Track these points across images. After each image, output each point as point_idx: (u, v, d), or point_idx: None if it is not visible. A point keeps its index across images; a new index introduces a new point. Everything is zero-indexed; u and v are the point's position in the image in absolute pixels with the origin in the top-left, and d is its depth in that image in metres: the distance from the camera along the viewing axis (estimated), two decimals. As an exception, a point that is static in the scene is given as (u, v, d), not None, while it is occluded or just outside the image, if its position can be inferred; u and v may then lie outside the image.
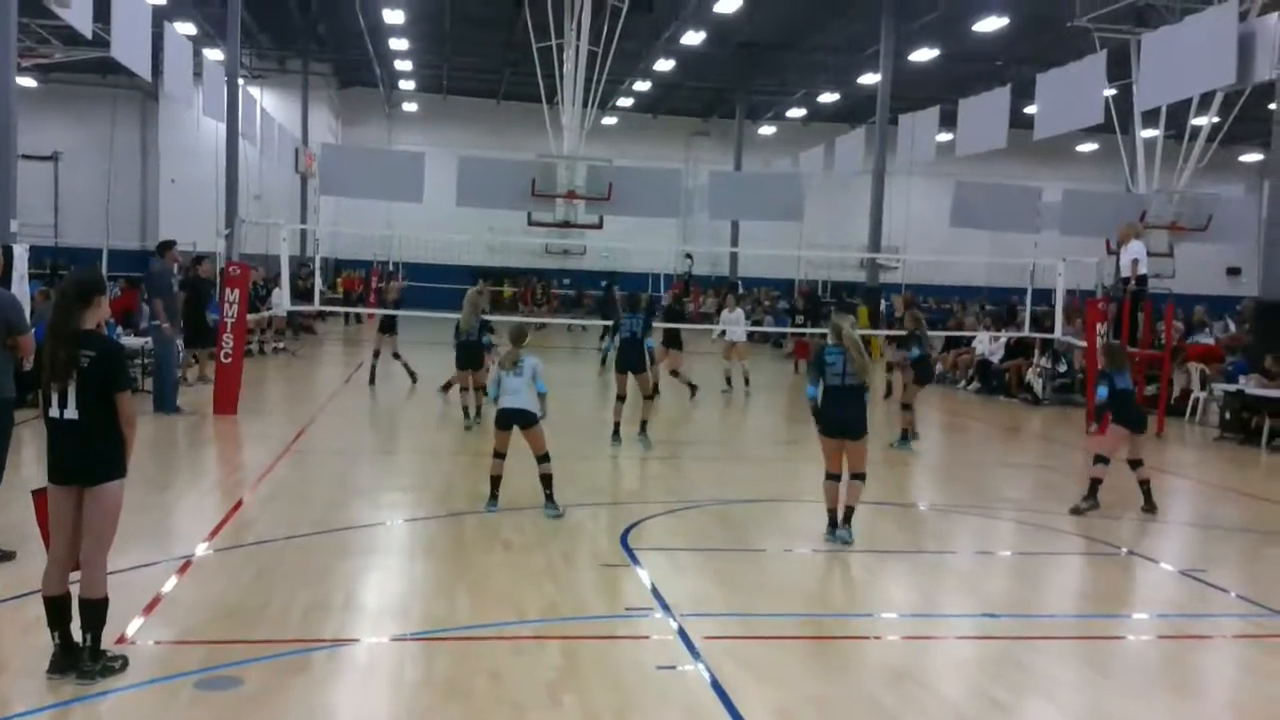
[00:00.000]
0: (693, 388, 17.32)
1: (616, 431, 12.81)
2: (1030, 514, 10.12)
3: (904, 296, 23.85)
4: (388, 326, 18.17)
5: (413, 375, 17.66)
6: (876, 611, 7.13)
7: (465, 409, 13.93)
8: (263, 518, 8.68)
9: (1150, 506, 10.20)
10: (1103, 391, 10.27)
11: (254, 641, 5.82)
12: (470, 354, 13.74)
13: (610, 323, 14.69)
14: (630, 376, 12.80)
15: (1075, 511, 9.91)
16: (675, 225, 38.67)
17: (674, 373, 17.27)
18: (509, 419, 9.07)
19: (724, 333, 19.39)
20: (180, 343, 15.80)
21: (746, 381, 18.81)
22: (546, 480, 9.12)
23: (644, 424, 12.87)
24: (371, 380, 17.85)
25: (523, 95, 36.40)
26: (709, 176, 30.00)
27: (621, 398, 13.00)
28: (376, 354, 18.27)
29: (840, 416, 8.55)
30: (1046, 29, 27.20)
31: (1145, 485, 10.21)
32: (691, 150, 44.72)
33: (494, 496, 9.20)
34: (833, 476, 8.70)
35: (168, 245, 14.76)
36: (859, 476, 8.64)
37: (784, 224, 30.87)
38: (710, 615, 6.65)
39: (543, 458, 9.10)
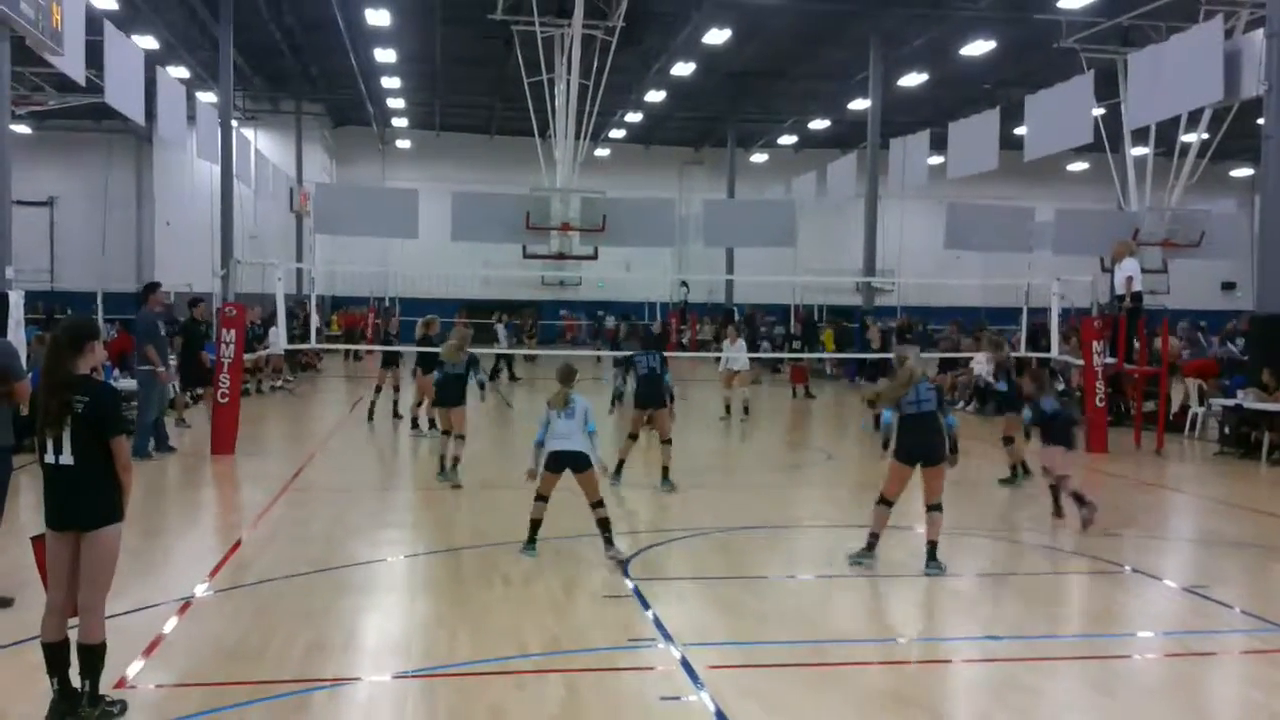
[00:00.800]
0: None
1: (619, 469, 12.21)
2: (1032, 534, 10.09)
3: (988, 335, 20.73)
4: (390, 361, 18.08)
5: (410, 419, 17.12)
6: (880, 637, 7.09)
7: (442, 459, 12.43)
8: (262, 557, 8.65)
9: (1058, 511, 10.52)
10: (1028, 415, 10.41)
11: (254, 682, 5.78)
12: (452, 390, 12.23)
13: (626, 356, 13.94)
14: (649, 415, 12.36)
15: (1086, 524, 9.93)
16: (670, 254, 38.79)
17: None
18: (561, 462, 8.66)
19: (721, 360, 19.40)
20: (175, 384, 15.80)
21: (746, 410, 18.80)
22: (604, 524, 8.68)
23: (665, 470, 12.16)
24: (370, 417, 17.86)
25: (515, 130, 36.61)
26: (702, 205, 30.15)
27: (634, 436, 12.51)
28: (378, 390, 18.28)
29: (917, 443, 8.63)
30: (1034, 51, 27.41)
31: (1055, 490, 10.48)
32: (684, 179, 44.93)
33: (532, 541, 8.78)
34: (886, 502, 8.73)
35: (152, 288, 14.73)
36: (937, 508, 8.62)
37: (778, 250, 30.96)
38: (713, 644, 6.62)
39: (597, 503, 8.68)
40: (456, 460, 12.21)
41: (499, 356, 26.59)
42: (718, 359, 19.35)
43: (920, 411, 8.62)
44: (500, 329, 28.59)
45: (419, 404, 16.29)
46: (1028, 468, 12.69)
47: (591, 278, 38.83)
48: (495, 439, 15.89)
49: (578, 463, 8.64)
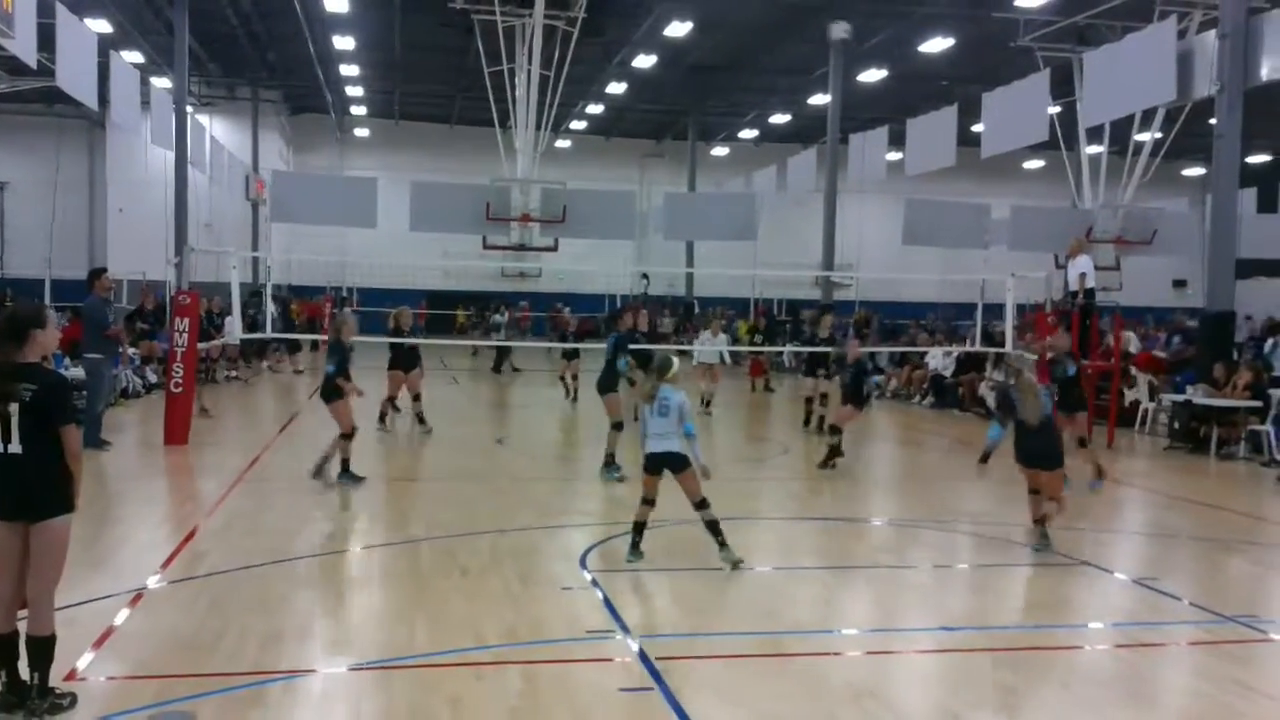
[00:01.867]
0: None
1: (609, 460, 12.23)
2: (986, 526, 10.20)
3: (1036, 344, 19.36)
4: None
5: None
6: (836, 628, 7.15)
7: (324, 459, 11.43)
8: (216, 548, 8.55)
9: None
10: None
11: (208, 674, 5.73)
12: (329, 386, 11.37)
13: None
14: (611, 399, 12.41)
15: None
16: (631, 246, 38.78)
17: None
18: (658, 463, 8.31)
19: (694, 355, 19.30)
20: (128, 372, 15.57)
21: (708, 404, 18.81)
22: (714, 527, 8.26)
23: (609, 457, 12.18)
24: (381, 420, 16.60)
25: (475, 119, 36.36)
26: (663, 198, 30.18)
27: (615, 426, 12.36)
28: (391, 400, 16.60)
29: (1033, 450, 9.13)
30: (991, 49, 27.62)
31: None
32: (645, 172, 44.92)
33: (636, 546, 8.40)
34: (1034, 491, 9.27)
35: (97, 274, 14.41)
36: (1054, 500, 9.16)
37: (738, 243, 31.04)
38: (671, 636, 6.64)
39: (701, 503, 8.28)
40: (326, 460, 11.32)
41: (499, 349, 26.56)
42: (684, 351, 19.21)
43: (1042, 417, 9.09)
44: (497, 318, 28.57)
45: (390, 399, 15.80)
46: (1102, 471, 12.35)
47: (552, 270, 38.76)
48: (454, 432, 15.79)
49: (674, 463, 8.25)
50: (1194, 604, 7.68)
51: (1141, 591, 8.05)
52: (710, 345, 19.53)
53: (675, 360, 8.59)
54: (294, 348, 27.24)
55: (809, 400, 17.08)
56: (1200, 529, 10.67)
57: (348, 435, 11.38)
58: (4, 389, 5.07)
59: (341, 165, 42.42)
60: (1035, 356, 10.55)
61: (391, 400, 15.74)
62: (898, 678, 6.23)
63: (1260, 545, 9.99)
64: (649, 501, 8.42)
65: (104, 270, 14.73)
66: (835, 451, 13.32)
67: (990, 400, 19.79)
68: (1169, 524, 11.06)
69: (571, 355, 21.00)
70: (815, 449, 15.29)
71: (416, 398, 15.65)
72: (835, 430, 13.52)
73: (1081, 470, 11.94)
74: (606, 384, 12.51)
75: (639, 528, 8.46)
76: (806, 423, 16.89)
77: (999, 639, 6.87)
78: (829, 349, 16.29)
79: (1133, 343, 21.44)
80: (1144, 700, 5.94)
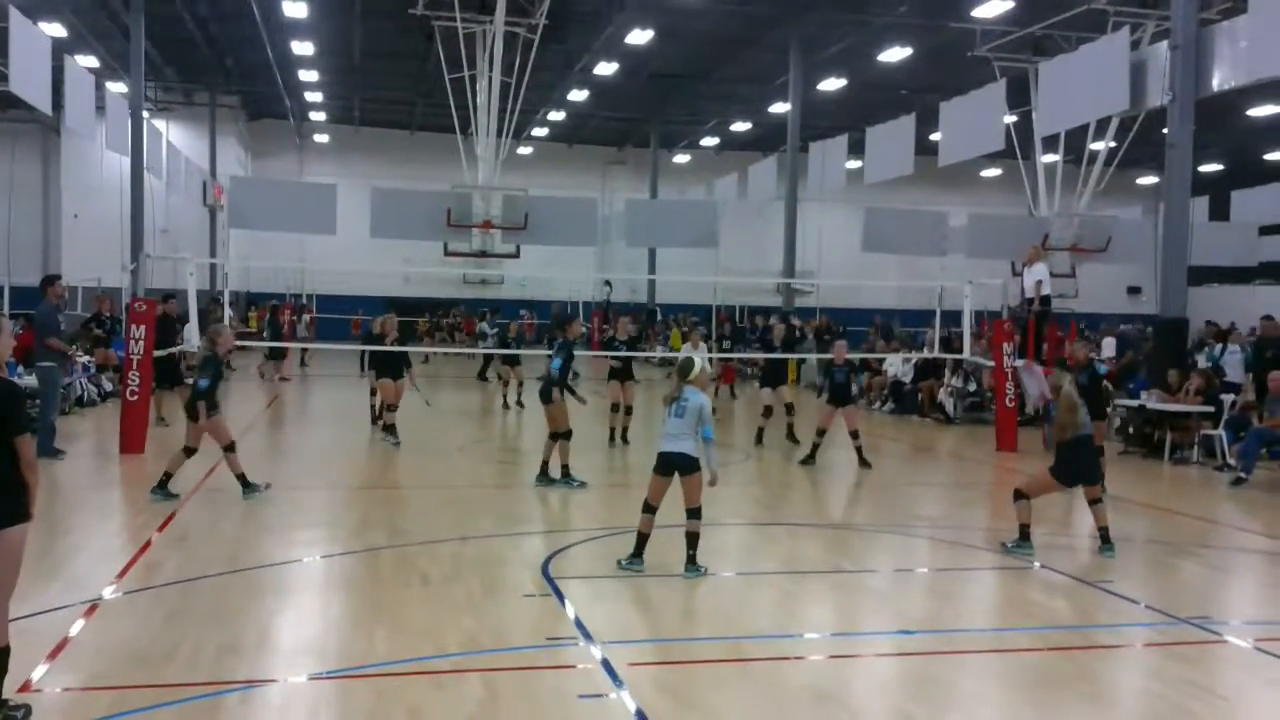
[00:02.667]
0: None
1: (543, 471, 12.08)
2: (945, 531, 10.29)
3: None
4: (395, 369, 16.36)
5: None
6: (797, 632, 7.18)
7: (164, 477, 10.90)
8: (172, 558, 8.46)
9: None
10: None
11: (164, 685, 5.66)
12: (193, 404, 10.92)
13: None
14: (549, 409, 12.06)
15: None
16: (593, 253, 38.82)
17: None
18: (669, 464, 8.18)
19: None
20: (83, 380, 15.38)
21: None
22: (693, 539, 8.23)
23: (544, 464, 12.00)
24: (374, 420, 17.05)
25: (436, 126, 36.31)
26: (625, 204, 30.21)
27: (553, 436, 12.10)
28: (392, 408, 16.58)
29: (1080, 465, 9.40)
30: (948, 59, 27.96)
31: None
32: (607, 179, 44.98)
33: (639, 553, 8.30)
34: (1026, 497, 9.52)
35: (50, 280, 14.28)
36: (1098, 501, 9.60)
37: (700, 250, 31.15)
38: (633, 642, 6.64)
39: (695, 511, 8.21)
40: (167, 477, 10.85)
41: (485, 356, 26.38)
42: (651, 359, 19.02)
43: (1079, 435, 9.28)
44: (484, 326, 28.42)
45: (390, 408, 15.47)
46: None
47: (514, 277, 38.70)
48: (415, 438, 15.70)
49: (685, 465, 8.14)
50: (1149, 606, 7.79)
51: (1097, 594, 8.16)
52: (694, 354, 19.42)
53: (698, 361, 8.48)
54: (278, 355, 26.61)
55: (768, 412, 16.60)
56: (1155, 532, 10.83)
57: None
58: None
59: (301, 171, 42.19)
60: (1071, 375, 10.40)
61: (392, 408, 15.42)
62: (857, 681, 6.27)
63: (1213, 549, 10.15)
64: (652, 509, 8.27)
65: (57, 277, 14.58)
66: (816, 448, 14.22)
67: (948, 406, 20.03)
68: (1123, 528, 11.17)
69: (514, 362, 20.86)
70: (774, 456, 15.38)
71: (392, 408, 15.51)
72: (821, 432, 14.33)
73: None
74: (550, 393, 12.06)
75: (641, 539, 8.32)
76: (759, 440, 16.24)
77: (957, 642, 6.93)
78: (792, 356, 16.35)
79: (1109, 348, 21.73)
80: (1100, 701, 6.01)
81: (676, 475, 8.20)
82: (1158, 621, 7.44)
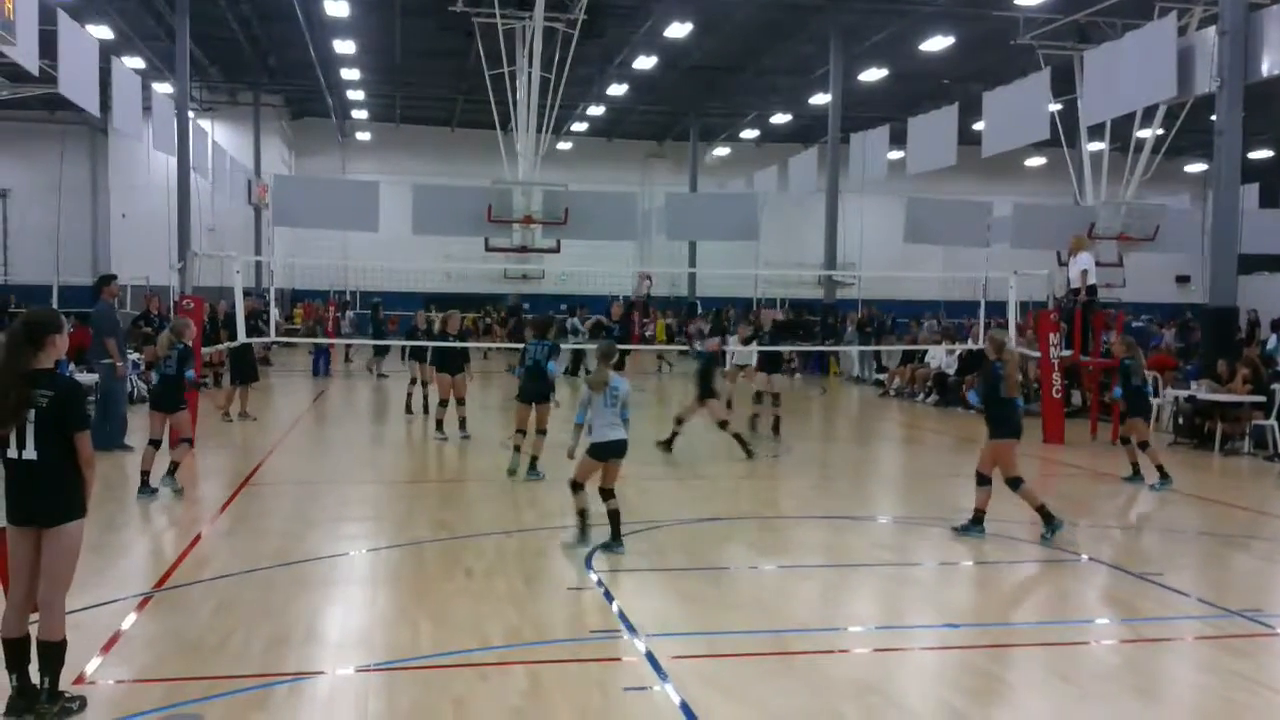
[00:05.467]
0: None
1: (516, 462, 12.19)
2: (989, 523, 10.19)
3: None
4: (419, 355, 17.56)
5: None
6: (841, 625, 7.16)
7: (144, 475, 10.97)
8: (221, 552, 8.59)
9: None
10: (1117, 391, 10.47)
11: (214, 677, 5.75)
12: (166, 395, 11.10)
13: (520, 347, 13.48)
14: (532, 409, 12.03)
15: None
16: (633, 247, 38.79)
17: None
18: (609, 451, 8.60)
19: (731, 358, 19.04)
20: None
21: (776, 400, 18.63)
22: (617, 517, 8.67)
23: (534, 460, 12.00)
24: (408, 409, 18.17)
25: (476, 122, 36.39)
26: (665, 198, 30.13)
27: (521, 431, 12.13)
28: (412, 382, 18.43)
29: (1017, 422, 9.65)
30: (992, 47, 27.64)
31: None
32: (647, 173, 44.91)
33: (586, 529, 8.81)
34: (1020, 480, 9.59)
35: (106, 280, 14.48)
36: (989, 481, 9.64)
37: (740, 243, 31.04)
38: (677, 635, 6.64)
39: (611, 491, 8.66)
40: (175, 466, 11.06)
41: (574, 352, 26.50)
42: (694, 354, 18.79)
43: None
44: (575, 322, 28.67)
45: (442, 404, 15.70)
46: (1165, 472, 12.34)
47: (554, 271, 38.77)
48: (461, 433, 15.78)
49: (622, 451, 8.63)
50: (1199, 599, 7.69)
51: (1147, 586, 8.06)
52: (743, 355, 19.32)
53: (616, 346, 9.19)
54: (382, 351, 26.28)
55: (758, 398, 16.73)
56: (1205, 524, 10.68)
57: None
58: (23, 395, 5.07)
59: (343, 169, 42.49)
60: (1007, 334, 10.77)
61: (443, 403, 15.63)
62: (902, 674, 6.24)
63: (1265, 540, 9.99)
64: (583, 486, 8.77)
65: (113, 277, 14.83)
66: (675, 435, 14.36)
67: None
68: (1174, 519, 11.06)
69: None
70: (820, 449, 15.31)
71: (461, 401, 15.65)
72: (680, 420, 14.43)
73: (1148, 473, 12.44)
74: (544, 393, 12.14)
75: (584, 514, 8.81)
76: (753, 427, 16.20)
77: (1003, 635, 6.88)
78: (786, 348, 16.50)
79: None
80: (1149, 695, 5.94)
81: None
82: (1208, 614, 7.34)
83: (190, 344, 11.21)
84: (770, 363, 16.83)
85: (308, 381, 24.86)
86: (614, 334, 14.01)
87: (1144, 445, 12.56)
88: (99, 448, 12.87)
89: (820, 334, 30.50)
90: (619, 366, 15.71)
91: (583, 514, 8.79)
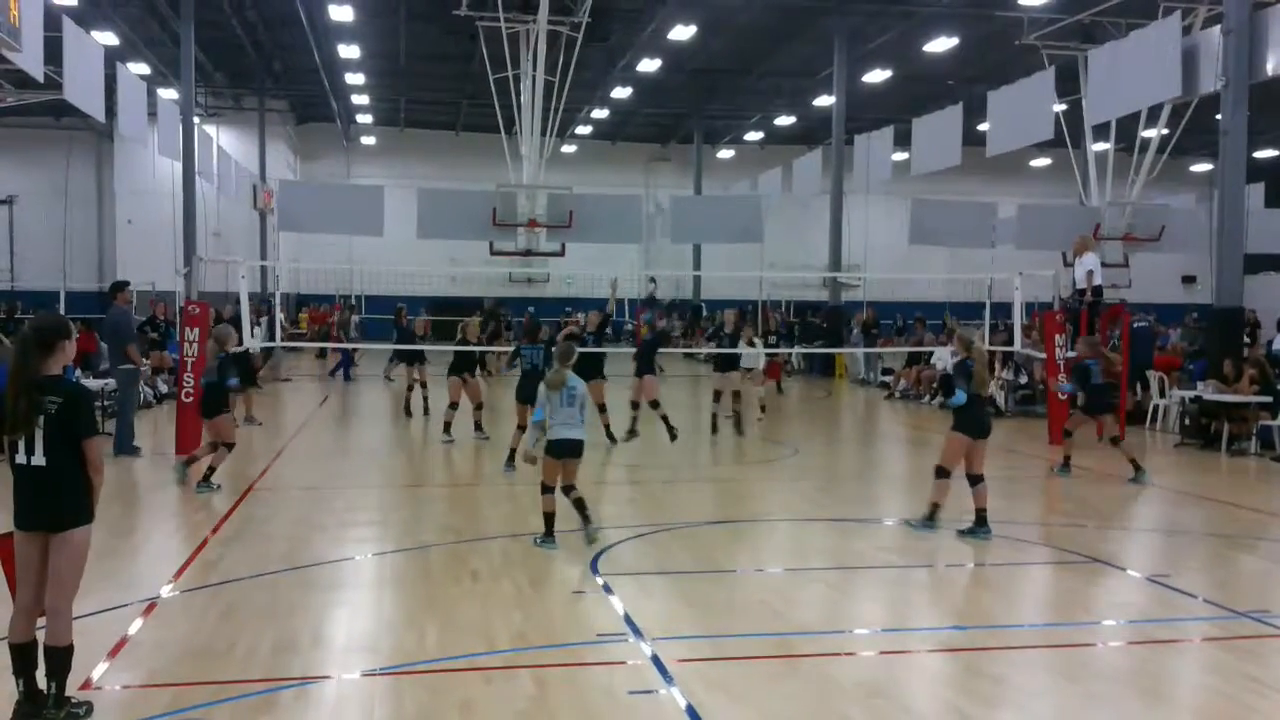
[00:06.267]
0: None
1: (511, 458, 12.77)
2: (996, 525, 10.17)
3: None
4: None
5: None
6: (847, 628, 7.15)
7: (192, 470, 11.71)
8: (227, 557, 8.59)
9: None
10: (1068, 386, 10.51)
11: (221, 682, 5.75)
12: (208, 401, 11.73)
13: (513, 349, 14.30)
14: (529, 409, 11.99)
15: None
16: (638, 250, 38.80)
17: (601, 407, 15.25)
18: (568, 450, 8.84)
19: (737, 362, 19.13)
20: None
21: (763, 409, 19.00)
22: (582, 503, 9.00)
23: (512, 451, 12.72)
24: (408, 411, 18.66)
25: (481, 126, 36.47)
26: (669, 201, 30.15)
27: (521, 428, 12.42)
28: (411, 387, 18.96)
29: (984, 418, 9.84)
30: (996, 48, 27.63)
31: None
32: (651, 175, 44.95)
33: (550, 533, 8.88)
34: (947, 474, 9.76)
35: (120, 286, 14.63)
36: (982, 479, 9.67)
37: (745, 245, 31.03)
38: (683, 638, 6.64)
39: (573, 487, 9.01)
40: (211, 470, 11.54)
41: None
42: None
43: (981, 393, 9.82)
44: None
45: (452, 406, 15.66)
46: (1139, 465, 12.76)
47: (559, 275, 38.78)
48: (468, 437, 15.80)
49: (579, 450, 8.88)
50: (1207, 600, 7.67)
51: (1154, 588, 8.04)
52: (750, 358, 19.44)
53: (575, 349, 9.35)
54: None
55: (717, 396, 17.08)
56: (1212, 525, 10.65)
57: (230, 446, 11.70)
58: (34, 401, 5.08)
59: (348, 174, 42.56)
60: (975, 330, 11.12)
61: (452, 406, 15.66)
62: (909, 677, 6.22)
63: (1273, 541, 9.96)
64: (552, 490, 8.87)
65: (126, 284, 14.95)
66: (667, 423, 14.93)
67: (999, 398, 19.81)
68: (1181, 520, 11.04)
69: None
70: (829, 451, 15.30)
71: (479, 406, 15.73)
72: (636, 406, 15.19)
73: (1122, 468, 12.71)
74: (529, 394, 12.26)
75: (550, 518, 8.88)
76: (732, 426, 16.78)
77: (1010, 637, 6.86)
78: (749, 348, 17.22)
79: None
80: (1157, 697, 5.93)
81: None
82: (1216, 615, 7.32)
83: (231, 351, 11.76)
84: (726, 361, 17.06)
85: (315, 386, 24.88)
86: (586, 344, 14.32)
87: (1115, 440, 13.05)
88: (118, 453, 13.01)
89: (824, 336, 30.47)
90: (594, 373, 15.80)
91: (549, 517, 8.90)
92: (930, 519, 9.79)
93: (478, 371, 16.08)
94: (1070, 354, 16.63)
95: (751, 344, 18.72)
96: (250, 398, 17.43)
